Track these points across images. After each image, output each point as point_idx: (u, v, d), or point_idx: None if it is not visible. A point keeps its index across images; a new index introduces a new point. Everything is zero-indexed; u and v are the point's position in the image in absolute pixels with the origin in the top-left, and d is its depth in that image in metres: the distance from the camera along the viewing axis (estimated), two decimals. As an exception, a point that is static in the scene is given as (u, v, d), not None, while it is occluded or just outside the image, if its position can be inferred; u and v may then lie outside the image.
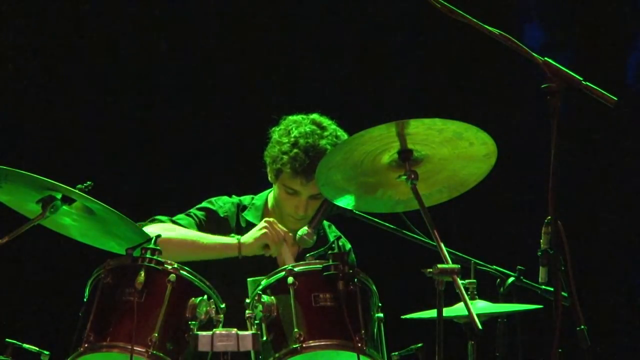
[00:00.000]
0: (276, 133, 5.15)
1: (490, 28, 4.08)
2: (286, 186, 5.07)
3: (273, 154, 5.10)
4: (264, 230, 4.85)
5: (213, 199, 5.28)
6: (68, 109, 6.90)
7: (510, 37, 4.06)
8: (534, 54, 4.03)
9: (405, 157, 4.29)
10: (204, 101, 7.05)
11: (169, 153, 7.02)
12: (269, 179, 5.17)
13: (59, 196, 4.37)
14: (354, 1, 7.13)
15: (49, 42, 6.91)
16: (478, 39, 4.32)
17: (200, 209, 5.22)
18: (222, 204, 5.26)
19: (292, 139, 5.04)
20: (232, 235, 4.98)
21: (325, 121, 5.14)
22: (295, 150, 5.01)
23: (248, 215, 5.23)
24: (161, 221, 5.08)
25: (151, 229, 4.88)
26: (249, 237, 4.90)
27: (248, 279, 4.41)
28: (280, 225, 4.89)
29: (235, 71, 7.08)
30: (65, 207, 4.40)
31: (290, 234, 4.92)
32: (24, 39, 6.91)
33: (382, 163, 4.35)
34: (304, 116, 5.16)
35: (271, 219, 4.92)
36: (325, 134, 5.06)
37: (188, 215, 5.18)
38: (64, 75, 6.91)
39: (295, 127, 5.09)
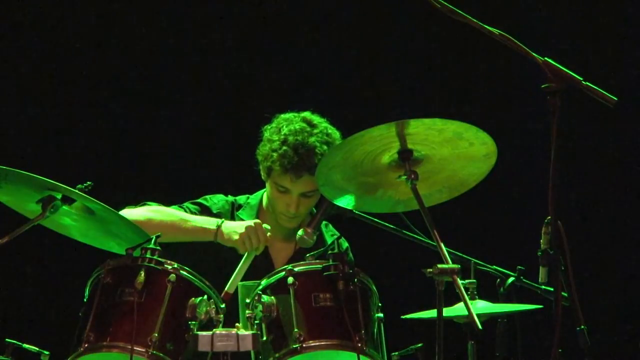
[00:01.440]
0: (267, 131, 5.18)
1: (490, 28, 4.08)
2: (277, 184, 5.09)
3: (264, 151, 5.13)
4: (238, 237, 4.82)
5: (208, 196, 5.31)
6: (68, 109, 6.90)
7: (510, 37, 4.06)
8: (534, 53, 4.03)
9: (405, 157, 4.29)
10: (203, 101, 7.05)
11: (169, 153, 7.02)
12: (262, 177, 5.19)
13: (59, 196, 4.37)
14: (353, 1, 7.13)
15: (49, 41, 6.91)
16: (478, 38, 4.32)
17: (194, 203, 5.25)
18: (216, 201, 5.28)
19: (282, 137, 5.07)
20: (217, 221, 4.96)
21: (316, 119, 5.15)
22: (284, 148, 5.03)
23: (242, 215, 5.24)
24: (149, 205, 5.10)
25: (135, 211, 4.92)
26: (227, 232, 4.88)
27: (239, 283, 4.42)
28: (264, 232, 4.84)
29: (233, 71, 7.08)
30: (65, 207, 4.40)
31: (270, 234, 4.87)
32: (24, 39, 6.90)
33: (382, 163, 4.36)
34: (295, 114, 5.18)
35: (256, 222, 4.88)
36: (315, 131, 5.08)
37: (180, 207, 5.20)
38: (63, 75, 6.91)
39: (285, 124, 5.11)
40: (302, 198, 5.06)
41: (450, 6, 4.12)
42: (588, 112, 6.24)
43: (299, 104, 5.29)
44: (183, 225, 4.97)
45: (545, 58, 3.99)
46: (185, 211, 5.17)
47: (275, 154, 5.05)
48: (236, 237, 4.82)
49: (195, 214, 5.17)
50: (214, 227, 4.90)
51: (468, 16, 4.11)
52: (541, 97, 3.97)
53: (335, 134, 5.13)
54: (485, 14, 4.29)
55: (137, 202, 5.14)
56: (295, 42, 7.08)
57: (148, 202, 5.11)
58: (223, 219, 4.96)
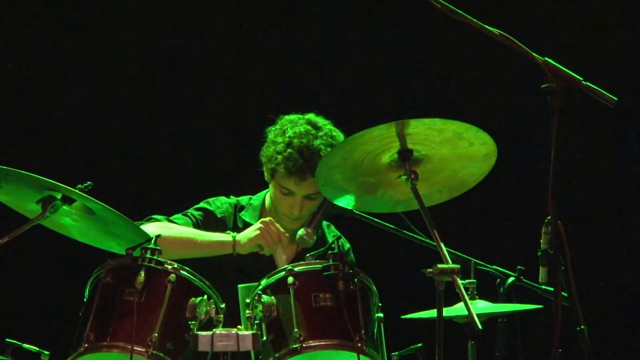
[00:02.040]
0: (272, 133, 5.17)
1: (490, 28, 4.08)
2: (281, 186, 5.09)
3: (268, 153, 5.12)
4: (258, 231, 4.87)
5: (211, 200, 5.30)
6: (68, 109, 6.90)
7: (510, 37, 4.06)
8: (534, 53, 4.03)
9: (405, 157, 4.29)
10: (203, 101, 7.05)
11: (169, 153, 7.02)
12: (265, 178, 5.19)
13: (59, 196, 4.37)
14: (354, 1, 7.13)
15: (49, 42, 6.91)
16: (478, 38, 4.32)
17: (197, 209, 5.23)
18: (219, 204, 5.27)
19: (287, 139, 5.06)
20: (229, 232, 5.00)
21: (321, 121, 5.14)
22: (289, 150, 5.03)
23: (245, 216, 5.24)
24: (158, 220, 5.09)
25: (147, 228, 4.90)
26: (244, 236, 4.92)
27: (239, 285, 4.42)
28: (277, 225, 4.90)
29: (234, 71, 7.08)
30: (65, 207, 4.40)
31: (287, 235, 4.93)
32: (24, 39, 6.90)
33: (382, 163, 4.36)
34: (300, 116, 5.17)
35: (268, 219, 4.93)
36: (320, 134, 5.07)
37: (185, 215, 5.19)
38: (64, 75, 6.91)
39: (290, 127, 5.11)
40: (305, 200, 5.06)
41: (450, 6, 4.12)
42: (588, 112, 6.24)
43: (300, 104, 5.29)
44: (198, 240, 4.97)
45: (545, 58, 3.99)
46: (190, 218, 5.16)
47: (279, 157, 5.04)
48: (256, 232, 4.85)
49: (200, 220, 5.17)
50: (230, 239, 4.91)
51: (468, 16, 4.11)
52: (541, 97, 3.97)
53: (340, 136, 5.12)
54: (485, 14, 4.29)
55: (137, 202, 5.14)
56: (296, 42, 7.08)
57: (154, 216, 5.11)
58: (233, 233, 4.98)
